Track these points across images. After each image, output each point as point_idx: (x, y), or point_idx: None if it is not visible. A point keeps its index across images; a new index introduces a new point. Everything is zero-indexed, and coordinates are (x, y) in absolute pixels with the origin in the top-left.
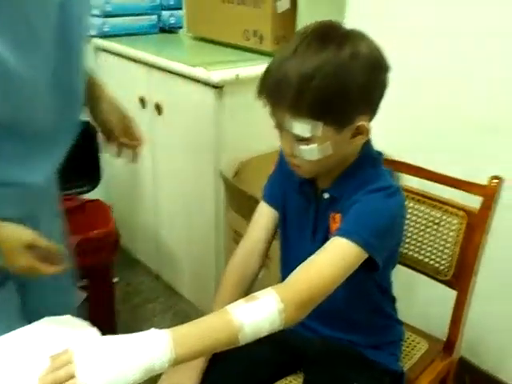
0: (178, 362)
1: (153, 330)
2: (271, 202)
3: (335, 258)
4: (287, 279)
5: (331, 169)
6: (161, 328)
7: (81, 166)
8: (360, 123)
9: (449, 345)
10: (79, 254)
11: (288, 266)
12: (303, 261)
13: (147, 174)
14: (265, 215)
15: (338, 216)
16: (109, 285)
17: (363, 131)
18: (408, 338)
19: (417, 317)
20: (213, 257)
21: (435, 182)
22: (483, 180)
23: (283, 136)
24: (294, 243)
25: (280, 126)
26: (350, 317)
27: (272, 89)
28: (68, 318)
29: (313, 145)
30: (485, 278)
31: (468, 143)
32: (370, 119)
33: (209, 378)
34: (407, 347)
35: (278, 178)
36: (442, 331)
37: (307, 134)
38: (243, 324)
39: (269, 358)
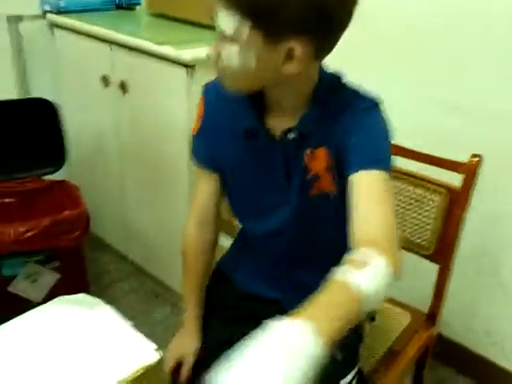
0: (328, 346)
1: (286, 321)
2: (207, 165)
3: (382, 196)
4: (373, 238)
5: (250, 92)
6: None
7: (45, 147)
8: (291, 45)
9: (431, 316)
10: (51, 235)
11: (253, 219)
12: (280, 208)
13: (113, 154)
14: (205, 181)
15: (321, 150)
16: (81, 265)
17: (294, 58)
18: (391, 311)
19: (399, 291)
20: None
21: (417, 160)
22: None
23: (214, 39)
24: (256, 194)
25: (213, 22)
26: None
27: None
28: (82, 296)
29: (234, 46)
30: None
31: (434, 122)
32: (313, 51)
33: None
34: (392, 320)
35: (205, 135)
36: (423, 304)
37: (230, 30)
38: (367, 295)
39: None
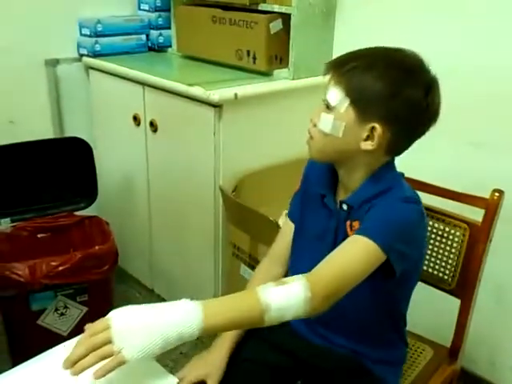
0: (206, 332)
1: (185, 300)
2: (291, 217)
3: (357, 254)
4: (315, 270)
5: (334, 161)
6: None
7: (78, 183)
8: (375, 125)
9: (454, 351)
10: (81, 269)
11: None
12: None
13: (142, 190)
14: (288, 228)
15: (356, 223)
16: (109, 299)
17: (374, 136)
18: (413, 345)
19: (422, 326)
20: (211, 271)
21: (439, 196)
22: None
23: (319, 106)
24: (313, 252)
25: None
26: (361, 326)
27: (333, 63)
28: None
29: (331, 115)
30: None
31: (458, 158)
32: (389, 140)
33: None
34: (413, 354)
35: (299, 194)
36: (445, 339)
37: (333, 102)
38: (270, 306)
39: (271, 361)
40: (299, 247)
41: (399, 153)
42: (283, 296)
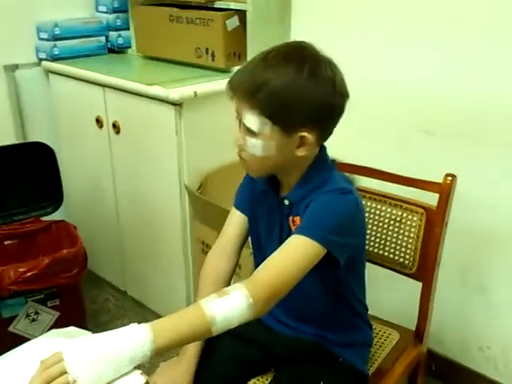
0: (158, 352)
1: (133, 325)
2: (240, 207)
3: (295, 254)
4: (254, 274)
5: (281, 175)
6: None
7: (43, 188)
8: (303, 134)
9: (419, 333)
10: (50, 274)
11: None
12: None
13: (108, 193)
14: (235, 219)
15: (297, 218)
16: (80, 303)
17: (306, 143)
18: (380, 331)
19: (388, 311)
20: (182, 269)
21: (394, 182)
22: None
23: (240, 127)
24: (266, 248)
25: (239, 118)
26: (321, 312)
27: (236, 85)
28: (73, 329)
29: (259, 140)
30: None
31: (415, 146)
32: (319, 136)
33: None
34: (380, 339)
35: (246, 185)
36: (412, 323)
37: (256, 129)
38: (216, 319)
39: (242, 356)
40: (256, 242)
41: (327, 139)
42: (226, 307)
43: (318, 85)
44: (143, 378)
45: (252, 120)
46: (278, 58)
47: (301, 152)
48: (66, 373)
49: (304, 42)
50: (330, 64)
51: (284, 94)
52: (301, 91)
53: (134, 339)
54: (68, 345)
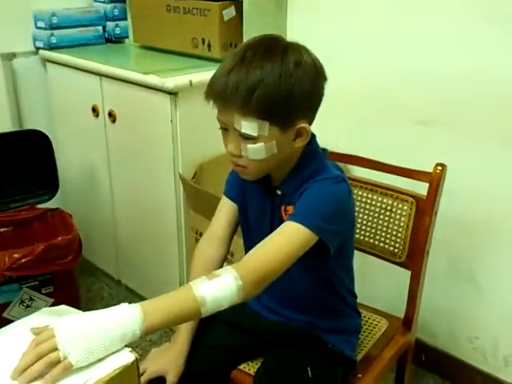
0: (148, 331)
1: (124, 304)
2: (231, 196)
3: (287, 239)
4: (245, 258)
5: (275, 169)
6: None
7: (39, 176)
8: (301, 125)
9: (407, 321)
10: (45, 260)
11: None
12: None
13: (104, 182)
14: (225, 207)
15: (290, 208)
16: (74, 290)
17: (303, 133)
18: (369, 318)
19: (376, 299)
20: (176, 258)
21: (385, 172)
22: (424, 168)
23: (230, 137)
24: (256, 236)
25: (228, 127)
26: (310, 299)
27: (221, 95)
28: (63, 307)
29: (260, 143)
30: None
31: (406, 136)
32: (310, 123)
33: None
34: (369, 326)
35: (237, 173)
36: (401, 311)
37: (255, 133)
38: (205, 300)
39: (232, 343)
40: (246, 230)
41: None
42: (216, 289)
43: (305, 72)
44: (132, 356)
45: (249, 126)
46: (259, 55)
47: (298, 143)
48: (57, 349)
49: (272, 34)
50: (305, 49)
51: (278, 91)
52: (292, 83)
53: (124, 318)
54: (60, 321)
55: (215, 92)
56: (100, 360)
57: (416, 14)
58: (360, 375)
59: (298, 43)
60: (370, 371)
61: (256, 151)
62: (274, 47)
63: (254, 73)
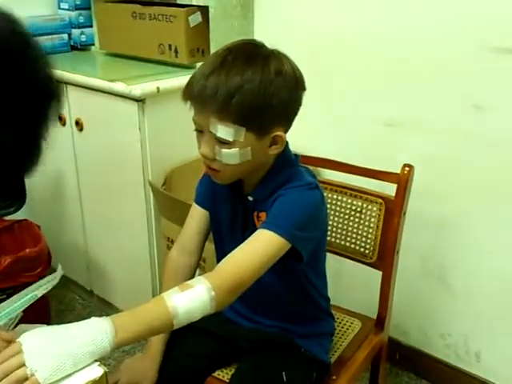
0: (119, 346)
1: (95, 318)
2: (201, 203)
3: (260, 248)
4: (217, 267)
5: (247, 175)
6: None
7: (5, 187)
8: (277, 133)
9: (380, 321)
10: (13, 273)
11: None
12: None
13: (72, 191)
14: (196, 214)
15: (262, 214)
16: (44, 302)
17: (278, 141)
18: (342, 320)
19: (350, 300)
20: (147, 266)
21: (353, 174)
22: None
23: (205, 140)
24: (228, 242)
25: (203, 129)
26: (283, 305)
27: (199, 97)
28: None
29: (234, 149)
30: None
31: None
32: (286, 131)
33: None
34: (342, 328)
35: (206, 180)
36: (373, 311)
37: (230, 138)
38: (178, 311)
39: (206, 350)
40: (218, 236)
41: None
42: (188, 300)
43: (285, 81)
44: (101, 370)
45: (225, 130)
46: (241, 61)
47: (273, 150)
48: (24, 365)
49: (254, 39)
50: (287, 58)
51: (256, 98)
52: (272, 91)
53: (95, 333)
54: (28, 336)
55: (193, 93)
56: (68, 375)
57: None
58: (334, 377)
59: (279, 51)
60: (345, 373)
61: (230, 156)
62: (255, 54)
63: (234, 78)
